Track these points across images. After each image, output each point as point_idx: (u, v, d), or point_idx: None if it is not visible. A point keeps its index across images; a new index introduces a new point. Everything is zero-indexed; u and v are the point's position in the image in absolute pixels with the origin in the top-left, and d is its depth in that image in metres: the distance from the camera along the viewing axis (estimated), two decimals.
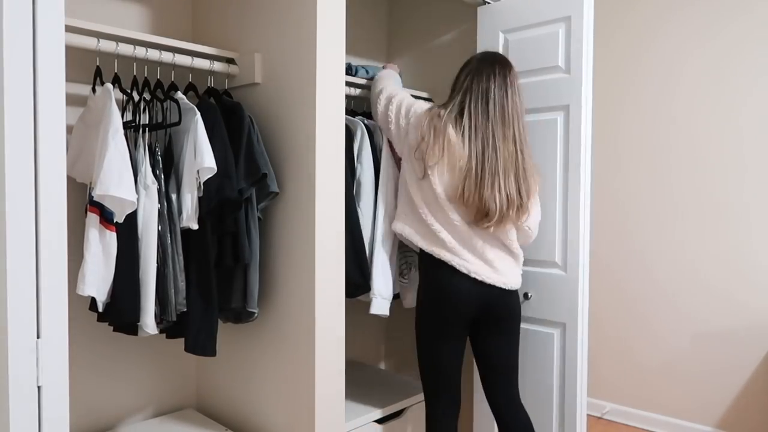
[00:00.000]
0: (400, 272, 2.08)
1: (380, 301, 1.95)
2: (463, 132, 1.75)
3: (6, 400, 1.02)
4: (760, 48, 2.69)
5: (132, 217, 1.52)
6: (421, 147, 1.76)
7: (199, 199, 1.60)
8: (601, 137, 3.15)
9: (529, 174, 1.78)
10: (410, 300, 2.15)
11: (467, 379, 2.40)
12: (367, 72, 2.25)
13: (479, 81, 1.78)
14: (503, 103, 1.76)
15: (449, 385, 1.84)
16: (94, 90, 1.60)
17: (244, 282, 1.71)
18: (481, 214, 1.73)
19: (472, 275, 1.76)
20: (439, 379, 1.84)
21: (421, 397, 2.22)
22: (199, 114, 1.59)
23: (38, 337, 1.05)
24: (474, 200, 1.71)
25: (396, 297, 2.11)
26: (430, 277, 1.81)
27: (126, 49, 1.58)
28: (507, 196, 1.72)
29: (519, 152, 1.76)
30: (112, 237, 1.49)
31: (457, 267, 1.76)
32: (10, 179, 1.01)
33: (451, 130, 1.75)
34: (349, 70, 2.16)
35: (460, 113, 1.78)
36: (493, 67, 1.80)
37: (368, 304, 1.95)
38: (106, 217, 1.48)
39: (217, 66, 1.78)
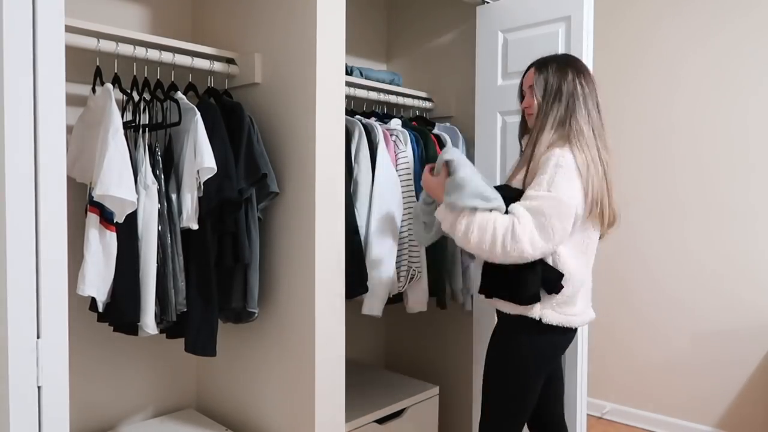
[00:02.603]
0: (397, 277, 2.06)
1: (373, 302, 1.95)
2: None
3: (6, 400, 1.02)
4: (762, 46, 2.69)
5: (132, 217, 1.52)
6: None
7: (199, 199, 1.60)
8: None
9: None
10: (413, 305, 2.13)
11: (468, 378, 2.40)
12: (361, 73, 2.25)
13: (587, 82, 1.60)
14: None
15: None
16: (94, 90, 1.60)
17: (244, 282, 1.71)
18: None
19: None
20: (525, 419, 1.65)
21: (421, 396, 2.22)
22: (199, 114, 1.59)
23: (38, 337, 1.05)
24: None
25: (395, 300, 2.10)
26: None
27: (126, 49, 1.58)
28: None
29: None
30: (112, 237, 1.49)
31: None
32: (10, 179, 1.01)
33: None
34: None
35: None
36: (586, 66, 1.65)
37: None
38: (106, 217, 1.48)
39: (217, 66, 1.78)
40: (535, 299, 1.53)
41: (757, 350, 2.72)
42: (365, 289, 1.89)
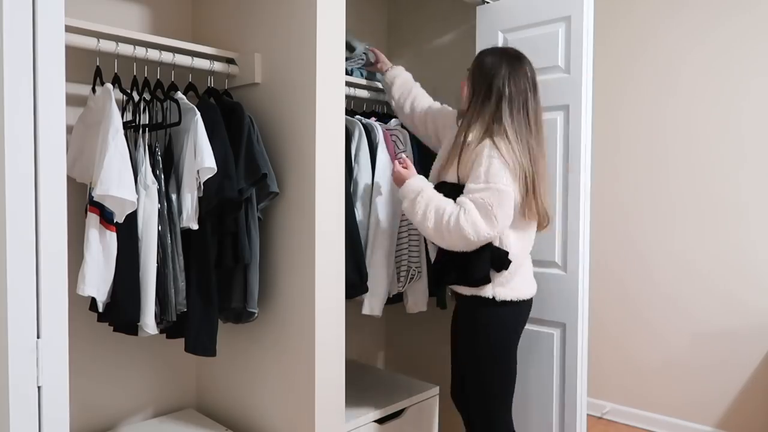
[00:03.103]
0: (397, 277, 2.06)
1: (373, 302, 1.95)
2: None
3: (6, 400, 1.02)
4: (758, 46, 2.69)
5: (132, 218, 1.51)
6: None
7: (199, 199, 1.60)
8: (600, 137, 3.15)
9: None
10: (413, 305, 2.13)
11: None
12: (361, 74, 2.25)
13: (516, 85, 1.71)
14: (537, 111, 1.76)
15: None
16: (94, 90, 1.60)
17: (244, 282, 1.71)
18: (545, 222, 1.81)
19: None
20: (512, 390, 1.86)
21: (421, 396, 2.22)
22: (199, 114, 1.59)
23: (38, 337, 1.05)
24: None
25: (395, 300, 2.10)
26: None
27: (126, 49, 1.58)
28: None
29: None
30: (112, 237, 1.49)
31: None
32: (10, 179, 1.01)
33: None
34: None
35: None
36: (525, 68, 1.73)
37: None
38: (106, 218, 1.48)
39: (217, 66, 1.78)
40: (486, 281, 1.72)
41: (757, 350, 2.72)
42: (365, 289, 1.89)
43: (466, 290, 1.77)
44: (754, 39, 2.70)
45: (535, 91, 1.74)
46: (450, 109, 2.09)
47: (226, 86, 1.84)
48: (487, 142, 1.65)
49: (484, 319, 1.76)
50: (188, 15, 2.04)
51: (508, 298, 1.75)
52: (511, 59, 1.73)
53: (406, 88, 2.13)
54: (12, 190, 1.01)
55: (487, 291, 1.73)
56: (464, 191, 1.68)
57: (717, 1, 2.79)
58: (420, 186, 1.73)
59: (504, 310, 1.75)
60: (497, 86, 1.69)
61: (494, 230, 1.64)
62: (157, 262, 1.56)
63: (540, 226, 1.81)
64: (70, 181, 1.59)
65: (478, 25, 2.28)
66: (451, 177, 1.76)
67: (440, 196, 1.71)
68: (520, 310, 1.80)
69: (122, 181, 1.44)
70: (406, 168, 1.78)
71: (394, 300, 2.10)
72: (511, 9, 2.18)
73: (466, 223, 1.62)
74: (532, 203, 1.70)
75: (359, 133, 1.98)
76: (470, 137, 1.70)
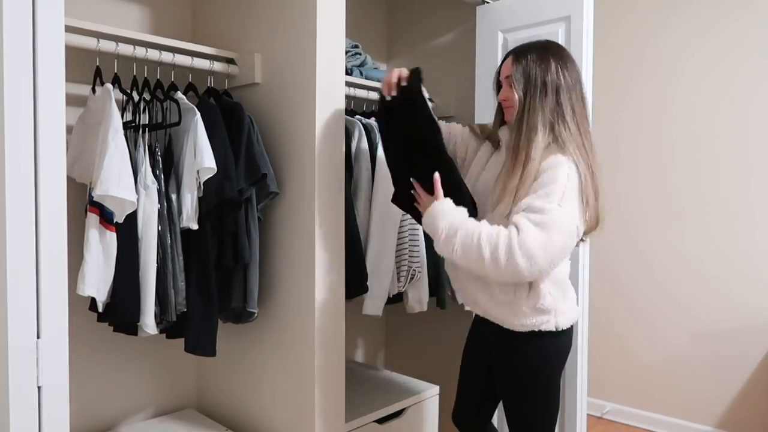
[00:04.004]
0: (397, 277, 2.06)
1: (373, 302, 1.95)
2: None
3: (6, 400, 1.02)
4: (762, 47, 2.69)
5: (132, 218, 1.52)
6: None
7: (199, 199, 1.60)
8: (601, 136, 3.14)
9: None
10: (413, 305, 2.12)
11: None
12: (361, 73, 2.25)
13: (570, 72, 1.46)
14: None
15: None
16: (94, 90, 1.60)
17: (244, 282, 1.71)
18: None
19: None
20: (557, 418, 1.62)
21: (421, 396, 2.22)
22: (198, 114, 1.59)
23: (38, 337, 1.05)
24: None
25: (395, 300, 2.10)
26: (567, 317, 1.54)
27: (126, 49, 1.58)
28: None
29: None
30: (112, 237, 1.49)
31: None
32: (10, 179, 1.01)
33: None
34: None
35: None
36: (568, 53, 1.51)
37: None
38: (106, 218, 1.48)
39: (217, 66, 1.78)
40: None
41: (757, 350, 2.72)
42: (365, 289, 1.88)
43: (514, 323, 1.46)
44: (758, 40, 2.69)
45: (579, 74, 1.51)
46: (460, 126, 1.78)
47: (226, 86, 1.84)
48: (561, 158, 1.38)
49: (542, 355, 1.48)
50: (188, 15, 2.04)
51: (568, 325, 1.49)
52: (551, 49, 1.49)
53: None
54: (12, 190, 1.01)
55: (550, 323, 1.44)
56: (524, 206, 1.36)
57: (721, 1, 2.78)
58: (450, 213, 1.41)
59: (562, 340, 1.50)
60: (553, 79, 1.42)
61: (551, 266, 1.34)
62: (157, 262, 1.56)
63: (591, 230, 1.53)
64: (70, 181, 1.59)
65: (478, 25, 2.28)
66: (508, 197, 1.41)
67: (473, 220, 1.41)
68: (571, 335, 1.55)
69: (122, 181, 1.44)
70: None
71: (394, 300, 2.10)
72: (511, 9, 2.18)
73: (520, 248, 1.30)
74: (594, 209, 1.45)
75: (359, 133, 1.98)
76: (538, 145, 1.40)
